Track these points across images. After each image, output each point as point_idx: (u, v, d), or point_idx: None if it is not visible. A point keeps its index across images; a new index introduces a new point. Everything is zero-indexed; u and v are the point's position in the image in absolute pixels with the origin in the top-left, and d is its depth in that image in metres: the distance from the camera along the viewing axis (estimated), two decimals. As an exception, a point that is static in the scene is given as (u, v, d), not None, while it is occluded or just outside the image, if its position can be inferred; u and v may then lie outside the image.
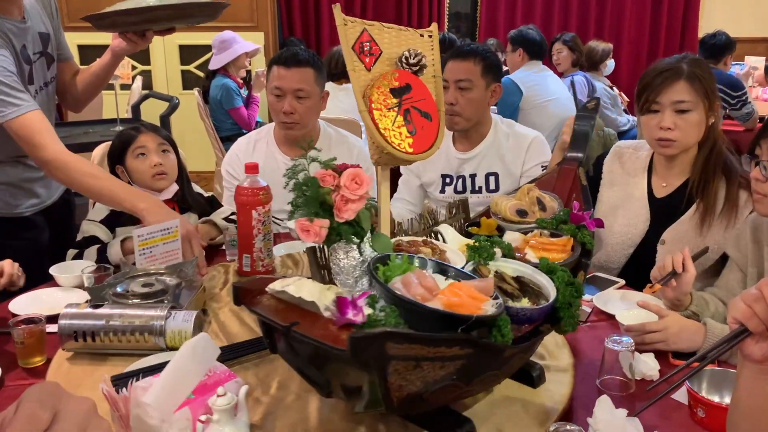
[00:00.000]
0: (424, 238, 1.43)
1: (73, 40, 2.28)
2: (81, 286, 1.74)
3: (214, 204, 2.28)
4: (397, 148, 1.22)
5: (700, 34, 5.44)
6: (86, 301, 1.54)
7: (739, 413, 1.04)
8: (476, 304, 1.07)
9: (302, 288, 1.12)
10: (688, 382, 1.25)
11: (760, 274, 1.64)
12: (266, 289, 1.17)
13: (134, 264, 1.77)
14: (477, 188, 2.40)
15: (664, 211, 1.93)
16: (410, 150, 1.24)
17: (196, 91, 4.57)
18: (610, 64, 5.18)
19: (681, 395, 1.31)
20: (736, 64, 5.08)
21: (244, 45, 4.58)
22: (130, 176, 2.12)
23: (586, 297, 1.72)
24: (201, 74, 5.38)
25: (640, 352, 1.41)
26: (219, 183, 3.82)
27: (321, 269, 1.31)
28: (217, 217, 2.17)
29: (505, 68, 5.75)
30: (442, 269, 1.22)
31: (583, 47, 5.05)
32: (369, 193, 1.22)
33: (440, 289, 1.10)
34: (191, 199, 2.22)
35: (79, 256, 2.01)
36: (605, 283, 1.85)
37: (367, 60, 1.26)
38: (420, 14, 6.35)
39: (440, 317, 1.02)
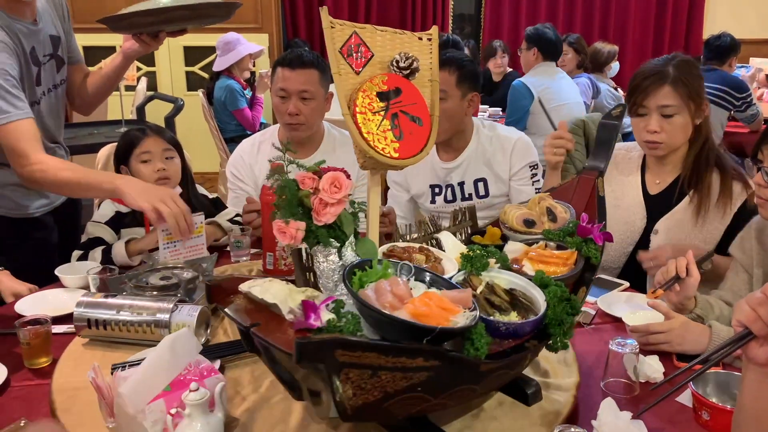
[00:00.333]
0: (421, 245, 1.41)
1: (78, 41, 2.29)
2: (86, 287, 1.75)
3: (218, 205, 2.29)
4: (381, 152, 1.21)
5: (705, 36, 5.42)
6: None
7: (743, 416, 1.04)
8: (445, 316, 1.03)
9: (268, 290, 1.12)
10: (692, 384, 1.25)
11: (765, 275, 1.65)
12: (239, 288, 1.17)
13: (140, 264, 1.79)
14: (467, 195, 2.39)
15: (658, 207, 1.97)
16: (395, 155, 1.22)
17: (200, 93, 4.58)
18: (615, 66, 5.16)
19: (686, 398, 1.30)
20: (741, 66, 5.07)
21: (248, 46, 4.58)
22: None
23: (591, 299, 1.72)
24: (205, 75, 5.39)
25: (645, 354, 1.41)
26: (223, 184, 3.84)
27: (305, 271, 1.29)
28: (222, 218, 2.18)
29: (508, 69, 5.78)
30: (427, 278, 1.18)
31: (587, 49, 5.02)
32: (349, 197, 1.20)
33: (411, 298, 1.06)
34: (195, 200, 2.23)
35: (84, 257, 2.02)
36: (609, 285, 1.85)
37: (356, 63, 1.25)
38: (424, 16, 6.36)
39: (404, 327, 0.99)
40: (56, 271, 1.83)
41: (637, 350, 1.35)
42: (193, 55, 5.61)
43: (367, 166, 1.26)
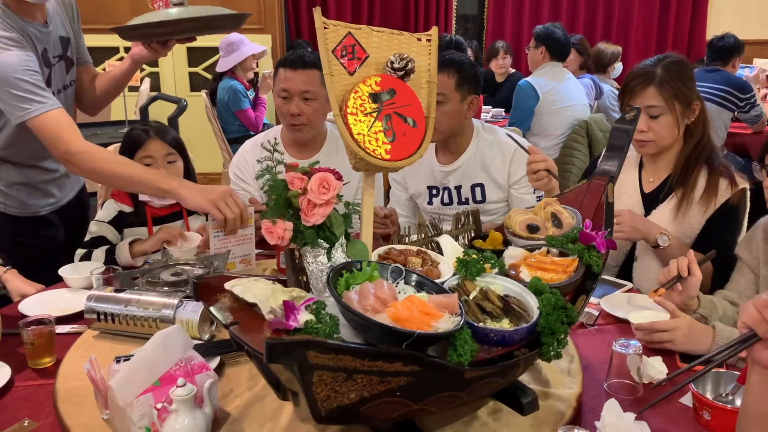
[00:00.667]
0: (419, 248, 1.39)
1: (82, 42, 2.30)
2: (90, 287, 1.76)
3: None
4: (372, 154, 1.20)
5: (708, 37, 5.41)
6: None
7: (748, 418, 1.03)
8: (426, 320, 1.02)
9: (250, 289, 1.12)
10: (693, 385, 1.24)
11: None
12: (224, 286, 1.17)
13: (143, 264, 1.80)
14: (464, 199, 2.38)
15: (654, 205, 1.98)
16: (387, 157, 1.21)
17: (203, 93, 4.59)
18: (618, 67, 5.15)
19: (688, 399, 1.30)
20: (745, 66, 5.05)
21: (251, 47, 4.59)
22: None
23: (594, 300, 1.71)
24: (209, 76, 5.40)
25: (648, 354, 1.41)
26: (226, 185, 3.84)
27: (296, 272, 1.29)
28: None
29: (511, 70, 5.78)
30: (415, 282, 1.17)
31: (590, 50, 5.01)
32: (337, 198, 1.19)
33: (394, 302, 1.04)
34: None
35: (87, 256, 2.02)
36: (612, 286, 1.85)
37: (350, 64, 1.25)
38: (427, 17, 6.36)
39: (383, 330, 0.98)
40: (60, 272, 1.84)
41: (641, 351, 1.35)
42: (196, 55, 5.62)
43: (359, 168, 1.26)
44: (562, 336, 1.14)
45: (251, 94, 4.69)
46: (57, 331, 1.52)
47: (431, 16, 6.35)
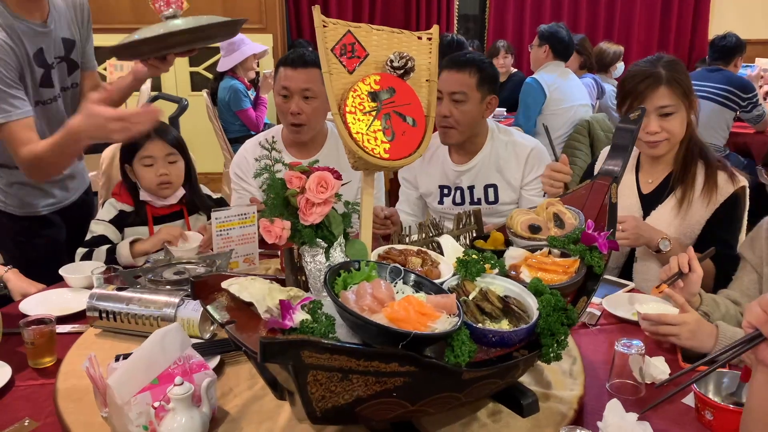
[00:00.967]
0: (419, 248, 1.38)
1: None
2: (90, 287, 1.75)
3: (222, 206, 2.28)
4: (371, 153, 1.20)
5: (710, 36, 5.40)
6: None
7: (752, 418, 1.03)
8: (422, 321, 1.01)
9: (247, 288, 1.12)
10: (695, 385, 1.24)
11: None
12: (221, 285, 1.17)
13: (145, 264, 1.80)
14: (476, 200, 2.37)
15: (652, 206, 1.99)
16: (386, 155, 1.21)
17: (204, 93, 4.58)
18: (620, 67, 5.13)
19: (691, 399, 1.30)
20: (747, 65, 5.04)
21: (252, 47, 4.58)
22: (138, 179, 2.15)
23: (596, 300, 1.71)
24: (209, 76, 5.39)
25: (650, 353, 1.40)
26: (227, 184, 3.83)
27: (295, 271, 1.29)
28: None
29: (512, 69, 5.77)
30: (414, 282, 1.16)
31: (591, 49, 5.00)
32: (336, 197, 1.18)
33: (391, 302, 1.04)
34: (199, 201, 2.23)
35: (88, 256, 2.02)
36: (614, 286, 1.85)
37: (349, 62, 1.24)
38: (429, 16, 6.35)
39: (379, 331, 0.97)
40: (60, 271, 1.84)
41: (643, 351, 1.34)
42: (197, 55, 5.60)
43: (357, 167, 1.25)
44: (562, 337, 1.13)
45: (252, 93, 4.69)
46: (57, 330, 1.51)
47: (432, 16, 6.35)
